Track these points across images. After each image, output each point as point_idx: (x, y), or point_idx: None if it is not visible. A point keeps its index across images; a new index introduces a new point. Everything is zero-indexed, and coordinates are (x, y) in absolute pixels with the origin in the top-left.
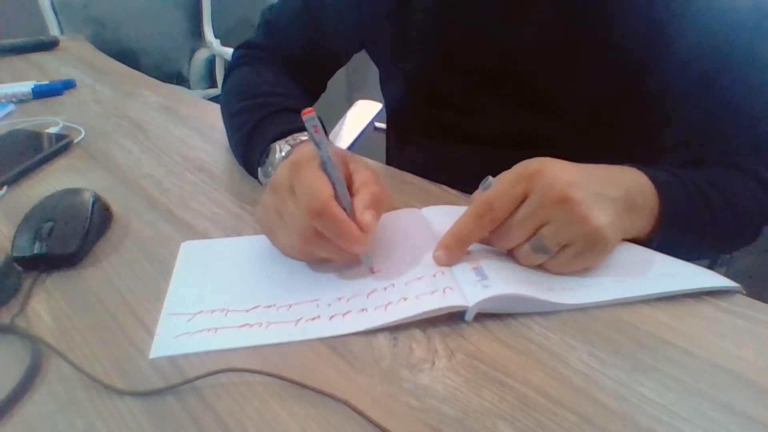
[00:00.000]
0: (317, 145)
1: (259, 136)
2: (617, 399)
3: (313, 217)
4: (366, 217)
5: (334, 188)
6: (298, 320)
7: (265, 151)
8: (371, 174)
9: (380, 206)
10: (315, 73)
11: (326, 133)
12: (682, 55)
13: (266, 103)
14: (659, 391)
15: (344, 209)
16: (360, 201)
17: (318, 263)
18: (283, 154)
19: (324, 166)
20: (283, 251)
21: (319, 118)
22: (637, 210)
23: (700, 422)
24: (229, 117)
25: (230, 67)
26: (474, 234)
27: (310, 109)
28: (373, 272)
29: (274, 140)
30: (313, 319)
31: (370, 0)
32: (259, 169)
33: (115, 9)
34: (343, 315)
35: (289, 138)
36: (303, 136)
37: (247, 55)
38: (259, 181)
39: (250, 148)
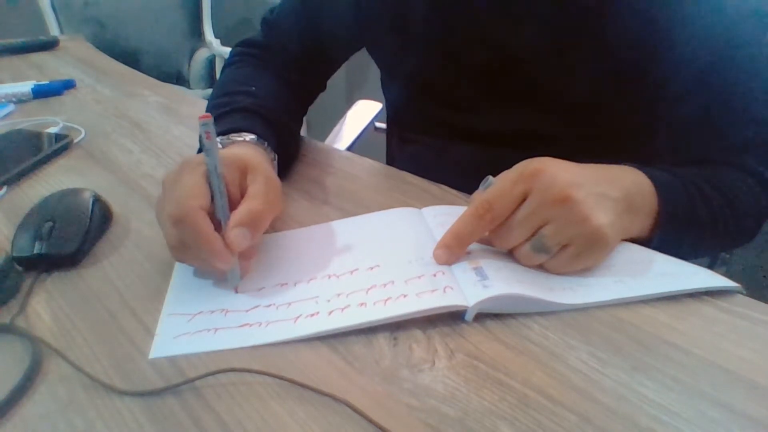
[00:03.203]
0: (205, 151)
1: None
2: (617, 399)
3: (173, 224)
4: (232, 233)
5: (214, 199)
6: (297, 318)
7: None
8: (263, 188)
9: (256, 224)
10: (314, 72)
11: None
12: (681, 54)
13: (227, 102)
14: (659, 391)
15: (220, 221)
16: (234, 216)
17: (319, 264)
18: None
19: (209, 174)
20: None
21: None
22: (636, 210)
23: (700, 422)
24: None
25: (224, 65)
26: (474, 233)
27: (207, 115)
28: (236, 291)
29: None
30: (312, 315)
31: None
32: None
33: (115, 9)
34: (342, 310)
35: (224, 137)
36: (239, 137)
37: (240, 53)
38: None
39: (199, 145)
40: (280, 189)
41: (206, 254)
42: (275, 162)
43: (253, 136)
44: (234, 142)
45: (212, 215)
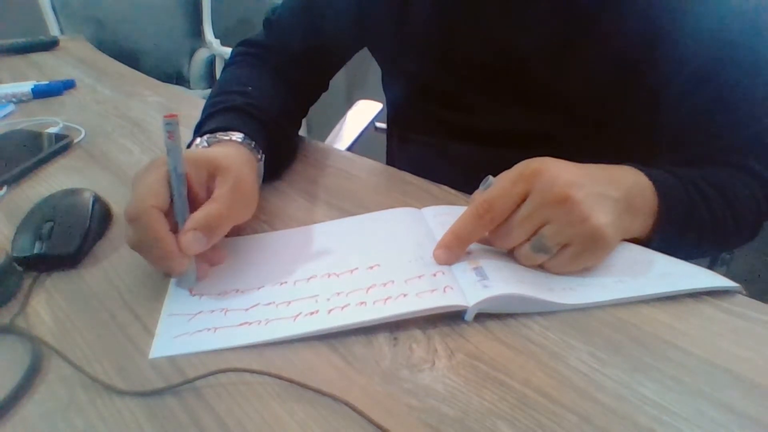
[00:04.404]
0: (167, 151)
1: (197, 132)
2: (617, 399)
3: (128, 221)
4: (185, 237)
5: (173, 200)
6: (297, 315)
7: (190, 146)
8: (227, 192)
9: (212, 228)
10: (316, 71)
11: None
12: (681, 53)
13: (221, 101)
14: (659, 391)
15: (177, 223)
16: (191, 220)
17: (319, 263)
18: (199, 149)
19: (171, 175)
20: None
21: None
22: (636, 210)
23: (700, 422)
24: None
25: (225, 64)
26: (474, 233)
27: (173, 114)
28: (192, 294)
29: (201, 135)
30: (312, 313)
31: None
32: None
33: (115, 9)
34: (342, 308)
35: (211, 135)
36: (225, 136)
37: (242, 53)
38: None
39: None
40: (253, 194)
41: (158, 255)
42: (261, 162)
43: (240, 135)
44: (219, 141)
45: (172, 216)
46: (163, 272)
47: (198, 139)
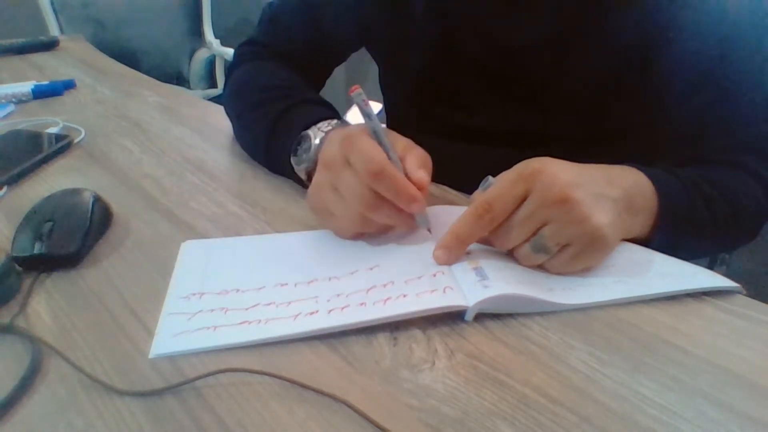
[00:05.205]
0: (368, 116)
1: (284, 127)
2: (617, 399)
3: (372, 180)
4: (420, 174)
5: (387, 155)
6: (297, 315)
7: (297, 140)
8: (409, 141)
9: (429, 166)
10: (313, 70)
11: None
12: (683, 53)
13: (285, 95)
14: (659, 391)
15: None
16: (410, 162)
17: (320, 267)
18: (317, 141)
19: (375, 136)
20: (339, 229)
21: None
22: (636, 210)
23: (700, 422)
24: (242, 112)
25: (232, 65)
26: (473, 234)
27: (356, 86)
28: (430, 232)
29: (305, 129)
30: (312, 313)
31: None
32: (292, 158)
33: (115, 9)
34: (342, 309)
35: (318, 126)
36: (327, 126)
37: (248, 52)
38: (279, 172)
39: (273, 140)
40: None
41: (405, 200)
42: None
43: (337, 120)
44: (338, 125)
45: None
46: (398, 226)
47: (309, 132)
